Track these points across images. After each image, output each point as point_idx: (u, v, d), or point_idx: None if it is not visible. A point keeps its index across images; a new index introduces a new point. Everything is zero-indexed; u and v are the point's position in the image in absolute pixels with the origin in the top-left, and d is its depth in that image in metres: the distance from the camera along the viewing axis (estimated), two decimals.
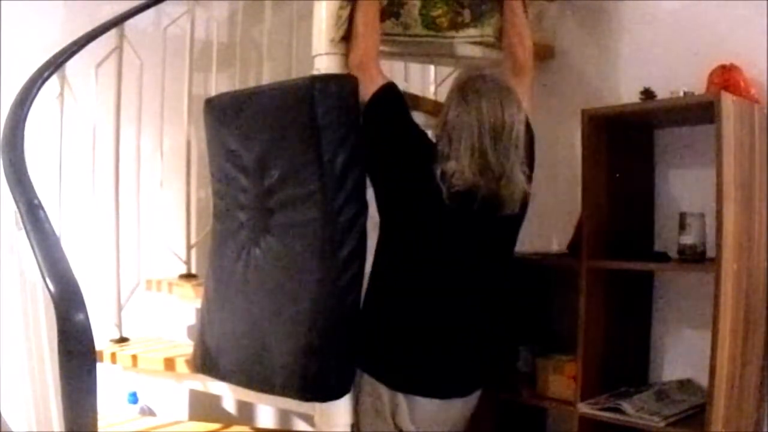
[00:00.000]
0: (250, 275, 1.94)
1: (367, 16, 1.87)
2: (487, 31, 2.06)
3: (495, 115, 1.74)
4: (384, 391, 1.82)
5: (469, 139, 1.74)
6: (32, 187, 1.61)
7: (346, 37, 1.90)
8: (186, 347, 2.41)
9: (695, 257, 1.99)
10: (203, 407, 2.90)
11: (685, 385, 2.14)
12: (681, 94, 2.00)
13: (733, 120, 1.85)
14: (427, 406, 1.83)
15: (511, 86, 1.82)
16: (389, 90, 1.86)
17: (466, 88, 1.80)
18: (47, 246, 1.43)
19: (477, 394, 1.94)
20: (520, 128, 1.77)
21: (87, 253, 2.43)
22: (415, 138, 1.86)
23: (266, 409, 2.99)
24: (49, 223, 1.51)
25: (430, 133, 1.93)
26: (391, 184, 1.86)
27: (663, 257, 2.09)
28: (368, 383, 1.85)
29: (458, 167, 1.74)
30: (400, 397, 1.81)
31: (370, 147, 1.84)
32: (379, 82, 1.85)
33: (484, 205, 1.77)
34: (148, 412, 2.97)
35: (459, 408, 1.90)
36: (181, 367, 2.30)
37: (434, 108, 2.11)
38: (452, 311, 1.84)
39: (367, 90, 1.83)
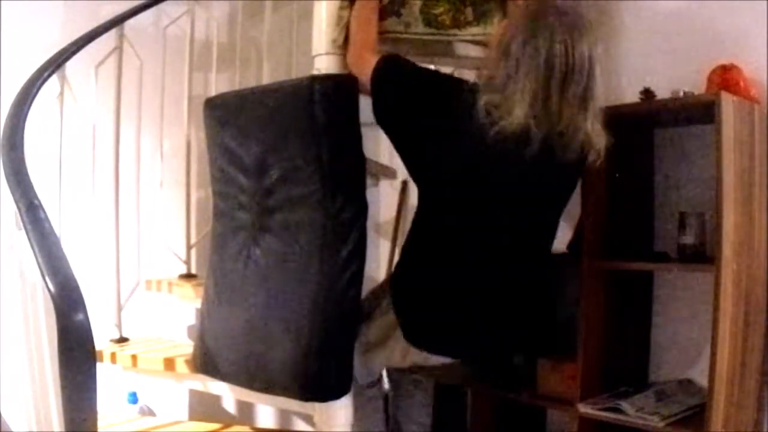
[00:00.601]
0: (250, 275, 1.94)
1: (362, 15, 1.87)
2: (490, 29, 2.06)
3: (566, 57, 1.56)
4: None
5: (533, 81, 1.56)
6: (32, 187, 1.60)
7: (348, 40, 1.90)
8: (186, 347, 2.41)
9: (695, 257, 1.99)
10: (203, 407, 2.89)
11: (684, 385, 2.14)
12: (681, 94, 2.00)
13: (733, 120, 1.85)
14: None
15: (587, 18, 1.63)
16: (389, 58, 1.77)
17: (537, 19, 1.60)
18: (47, 246, 1.43)
19: None
20: (594, 70, 1.58)
21: (87, 253, 2.43)
22: (437, 85, 1.73)
23: (266, 409, 2.99)
24: (49, 223, 1.51)
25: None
26: (425, 144, 1.70)
27: (663, 257, 2.09)
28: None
29: (511, 106, 1.57)
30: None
31: (391, 119, 1.74)
32: (376, 59, 1.76)
33: (535, 156, 1.60)
34: (148, 412, 2.97)
35: None
36: (181, 367, 2.30)
37: None
38: (490, 275, 1.74)
39: (366, 71, 1.75)
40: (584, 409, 2.03)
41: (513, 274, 1.78)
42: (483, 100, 1.59)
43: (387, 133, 1.78)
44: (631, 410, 1.95)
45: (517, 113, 1.56)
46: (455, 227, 1.73)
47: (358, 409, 1.95)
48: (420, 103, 1.72)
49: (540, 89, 1.57)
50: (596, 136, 1.64)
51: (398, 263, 1.85)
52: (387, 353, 1.86)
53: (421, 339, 1.77)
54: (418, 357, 1.81)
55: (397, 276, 1.86)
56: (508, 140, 1.58)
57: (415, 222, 1.83)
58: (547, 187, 1.74)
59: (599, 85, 1.62)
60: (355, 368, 1.85)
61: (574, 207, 2.18)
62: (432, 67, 2.63)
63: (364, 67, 1.78)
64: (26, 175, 1.65)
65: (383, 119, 1.76)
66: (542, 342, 2.00)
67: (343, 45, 1.90)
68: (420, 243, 1.80)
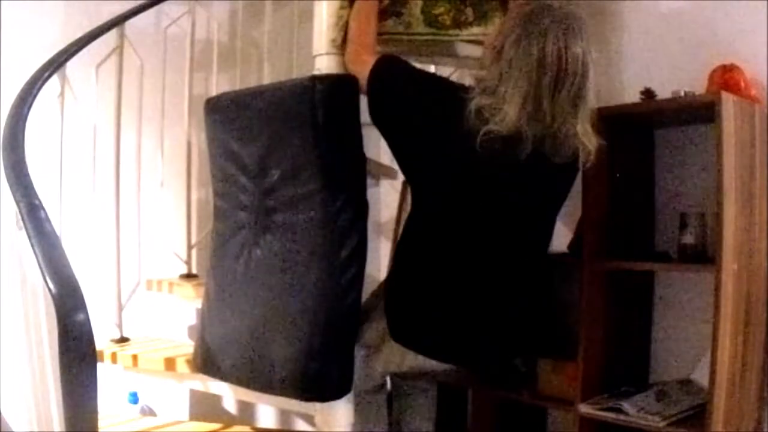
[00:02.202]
0: (250, 275, 1.94)
1: (361, 15, 1.87)
2: (490, 29, 2.05)
3: (559, 59, 1.56)
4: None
5: (525, 83, 1.57)
6: (32, 187, 1.61)
7: (346, 39, 1.90)
8: (187, 347, 2.41)
9: (695, 257, 1.99)
10: (204, 407, 2.89)
11: (685, 385, 2.14)
12: (681, 94, 2.00)
13: (734, 120, 1.85)
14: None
15: (581, 18, 1.63)
16: (386, 59, 1.77)
17: (530, 20, 1.60)
18: (48, 246, 1.43)
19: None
20: (587, 72, 1.60)
21: (87, 253, 2.43)
22: (432, 88, 1.74)
23: (267, 409, 2.99)
24: (50, 223, 1.51)
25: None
26: (418, 145, 1.71)
27: (663, 257, 2.09)
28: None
29: (503, 107, 1.57)
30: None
31: (386, 120, 1.74)
32: (374, 59, 1.76)
33: (528, 157, 1.60)
34: (148, 412, 2.97)
35: None
36: (182, 367, 2.30)
37: None
38: (485, 280, 1.74)
39: (364, 71, 1.76)
40: (585, 409, 2.03)
41: (507, 276, 1.77)
42: (476, 102, 1.59)
43: (382, 132, 1.78)
44: (632, 410, 1.95)
45: (509, 114, 1.57)
46: (448, 228, 1.73)
47: (359, 411, 1.95)
48: (414, 105, 1.72)
49: (532, 90, 1.57)
50: (587, 138, 1.64)
51: (391, 264, 1.85)
52: (385, 357, 1.85)
53: (410, 339, 1.77)
54: (416, 361, 1.80)
55: (389, 278, 1.86)
56: (500, 141, 1.58)
57: (408, 222, 1.83)
58: (540, 189, 1.74)
59: (592, 87, 1.63)
60: (355, 372, 1.85)
61: (574, 207, 2.19)
62: (432, 67, 2.65)
63: (362, 68, 1.78)
64: (27, 175, 1.65)
65: (378, 119, 1.76)
66: (539, 344, 2.00)
67: (342, 44, 1.90)
68: (412, 244, 1.80)
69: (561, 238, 2.41)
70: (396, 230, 2.89)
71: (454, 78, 2.53)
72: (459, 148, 1.64)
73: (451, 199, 1.71)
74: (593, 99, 1.65)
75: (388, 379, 2.07)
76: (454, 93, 1.66)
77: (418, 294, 1.76)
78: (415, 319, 1.77)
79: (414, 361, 1.80)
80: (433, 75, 1.77)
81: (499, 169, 1.64)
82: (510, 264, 1.76)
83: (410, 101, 1.73)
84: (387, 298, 1.80)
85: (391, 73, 1.76)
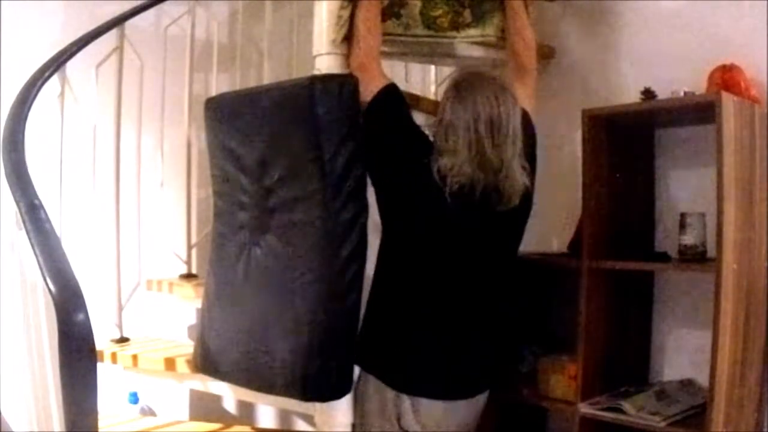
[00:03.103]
0: (250, 275, 1.94)
1: (368, 17, 1.87)
2: (489, 31, 2.06)
3: (491, 108, 1.73)
4: (388, 393, 1.82)
5: (465, 134, 1.73)
6: (32, 187, 1.60)
7: (348, 38, 1.90)
8: (186, 347, 2.41)
9: (695, 257, 1.99)
10: (204, 407, 2.90)
11: (685, 385, 2.14)
12: (681, 94, 2.00)
13: (734, 120, 1.85)
14: (432, 407, 1.83)
15: (504, 82, 1.82)
16: (390, 91, 1.86)
17: (461, 85, 1.80)
18: (47, 246, 1.43)
19: (483, 396, 1.93)
20: (516, 121, 1.77)
21: (87, 253, 2.43)
22: (415, 138, 1.86)
23: (266, 409, 2.99)
24: (50, 223, 1.51)
25: (429, 132, 1.93)
26: (393, 184, 1.85)
27: (663, 257, 2.09)
28: (373, 384, 1.85)
29: (456, 162, 1.73)
30: (405, 399, 1.81)
31: (371, 148, 1.83)
32: (380, 83, 1.84)
33: (485, 200, 1.77)
34: (148, 412, 2.97)
35: (464, 410, 1.89)
36: (182, 367, 2.30)
37: (434, 108, 2.10)
38: (456, 312, 1.84)
39: (368, 90, 1.83)
40: (585, 409, 2.04)
41: (476, 306, 1.87)
42: (438, 165, 1.75)
43: (368, 155, 1.85)
44: (631, 410, 1.95)
45: (463, 168, 1.73)
46: (419, 268, 1.84)
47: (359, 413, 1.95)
48: (399, 143, 1.84)
49: (474, 141, 1.73)
50: (521, 175, 1.78)
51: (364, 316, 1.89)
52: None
53: (381, 371, 1.84)
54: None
55: (365, 315, 1.89)
56: (461, 192, 1.74)
57: (378, 261, 1.89)
58: (499, 226, 1.85)
59: (519, 134, 1.77)
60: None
61: (574, 207, 2.19)
62: (432, 67, 2.66)
63: (367, 83, 1.83)
64: (27, 175, 1.65)
65: (368, 145, 1.83)
66: (503, 375, 2.14)
67: (343, 43, 1.90)
68: (382, 284, 1.88)
69: (561, 238, 2.42)
70: None
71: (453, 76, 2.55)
72: (428, 195, 1.77)
73: (420, 238, 1.84)
74: (520, 144, 1.78)
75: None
76: (429, 149, 1.80)
77: (390, 329, 1.86)
78: (386, 353, 1.86)
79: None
80: (418, 128, 1.90)
81: (463, 214, 1.78)
82: (479, 296, 1.87)
83: (398, 141, 1.85)
84: (361, 329, 1.86)
85: (391, 109, 1.86)
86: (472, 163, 1.73)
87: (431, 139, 1.85)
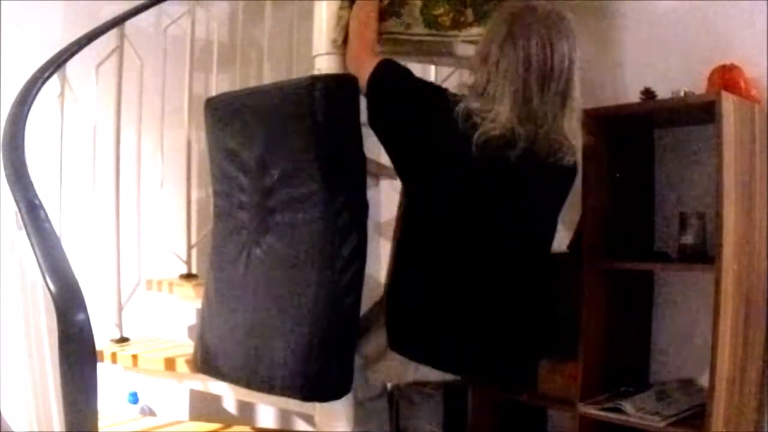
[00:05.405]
0: (250, 275, 1.94)
1: (361, 14, 1.87)
2: None
3: (544, 57, 1.56)
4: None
5: (513, 82, 1.57)
6: (32, 187, 1.60)
7: (347, 39, 1.90)
8: (186, 347, 2.41)
9: (695, 257, 1.99)
10: (204, 407, 2.89)
11: (685, 385, 2.14)
12: (681, 94, 2.00)
13: (733, 120, 1.85)
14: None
15: (566, 18, 1.62)
16: (386, 62, 1.77)
17: (515, 21, 1.61)
18: (47, 246, 1.43)
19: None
20: (573, 70, 1.60)
21: (87, 253, 2.43)
22: (426, 92, 1.74)
23: (266, 409, 2.99)
24: (50, 223, 1.51)
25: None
26: (413, 149, 1.72)
27: (663, 257, 2.09)
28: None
29: (496, 108, 1.57)
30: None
31: (385, 125, 1.75)
32: (374, 62, 1.76)
33: (522, 161, 1.60)
34: (148, 412, 2.97)
35: None
36: (182, 367, 2.30)
37: None
38: (485, 287, 1.72)
39: (363, 70, 1.76)
40: (585, 409, 2.04)
41: (507, 280, 1.74)
42: (464, 105, 1.60)
43: (378, 136, 1.78)
44: (631, 410, 1.95)
45: (501, 114, 1.57)
46: (445, 233, 1.71)
47: (359, 414, 1.94)
48: (410, 110, 1.73)
49: (521, 90, 1.58)
50: (572, 135, 1.65)
51: (390, 270, 1.83)
52: (386, 369, 1.85)
53: (409, 347, 1.75)
54: (416, 374, 1.79)
55: (389, 285, 1.84)
56: (493, 144, 1.58)
57: (404, 228, 1.82)
58: (536, 190, 1.72)
59: (578, 86, 1.63)
60: (355, 381, 1.84)
61: (574, 207, 2.19)
62: (432, 67, 2.65)
63: (362, 69, 1.78)
64: (27, 175, 1.65)
65: (376, 123, 1.77)
66: (540, 348, 1.98)
67: (343, 44, 1.90)
68: (409, 250, 1.79)
69: (561, 238, 2.42)
70: (396, 230, 2.90)
71: (454, 77, 2.54)
72: (454, 152, 1.64)
73: (448, 203, 1.70)
74: (580, 98, 1.65)
75: (388, 385, 2.08)
76: (447, 99, 1.66)
77: (416, 302, 1.75)
78: (414, 327, 1.76)
79: (414, 374, 1.80)
80: (428, 82, 1.78)
81: (494, 171, 1.64)
82: (509, 268, 1.74)
83: (407, 107, 1.74)
84: (387, 306, 1.79)
85: (390, 79, 1.77)
86: (514, 114, 1.57)
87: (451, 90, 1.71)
